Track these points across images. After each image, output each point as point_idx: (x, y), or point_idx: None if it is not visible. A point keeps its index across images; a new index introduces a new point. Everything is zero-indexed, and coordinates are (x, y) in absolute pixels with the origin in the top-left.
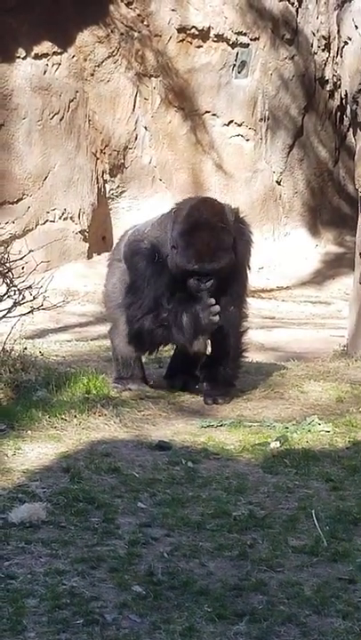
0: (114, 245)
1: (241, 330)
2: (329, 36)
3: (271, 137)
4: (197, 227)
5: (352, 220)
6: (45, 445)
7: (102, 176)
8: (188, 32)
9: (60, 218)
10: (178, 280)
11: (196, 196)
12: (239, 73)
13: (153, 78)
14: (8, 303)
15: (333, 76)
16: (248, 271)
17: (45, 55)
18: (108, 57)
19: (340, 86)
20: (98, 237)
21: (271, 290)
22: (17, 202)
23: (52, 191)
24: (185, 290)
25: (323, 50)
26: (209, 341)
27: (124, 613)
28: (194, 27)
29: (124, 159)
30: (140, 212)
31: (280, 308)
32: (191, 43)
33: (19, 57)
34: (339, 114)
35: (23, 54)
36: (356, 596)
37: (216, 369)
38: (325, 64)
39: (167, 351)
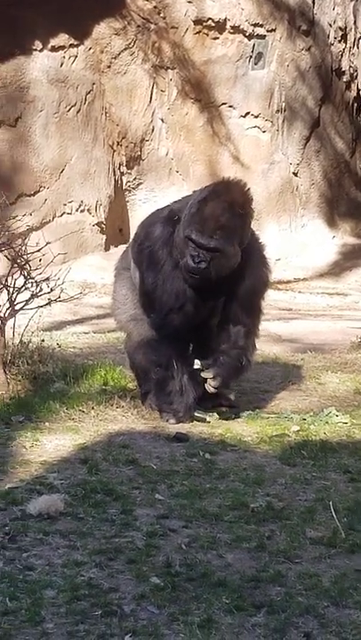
0: (120, 254)
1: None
2: (345, 27)
3: (288, 128)
4: (215, 200)
5: None
6: (63, 437)
7: (119, 168)
8: (204, 24)
9: (77, 210)
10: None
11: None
12: (256, 64)
13: (169, 70)
14: (26, 295)
15: (350, 67)
16: (263, 296)
17: (62, 47)
18: (125, 49)
19: (356, 77)
20: (115, 229)
21: (288, 281)
22: (34, 194)
23: (68, 183)
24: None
25: (339, 41)
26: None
27: (142, 605)
28: (210, 18)
29: (140, 151)
30: (157, 204)
31: (297, 300)
32: (208, 34)
33: (35, 49)
34: (356, 105)
35: (40, 47)
36: None
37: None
38: (342, 55)
39: None
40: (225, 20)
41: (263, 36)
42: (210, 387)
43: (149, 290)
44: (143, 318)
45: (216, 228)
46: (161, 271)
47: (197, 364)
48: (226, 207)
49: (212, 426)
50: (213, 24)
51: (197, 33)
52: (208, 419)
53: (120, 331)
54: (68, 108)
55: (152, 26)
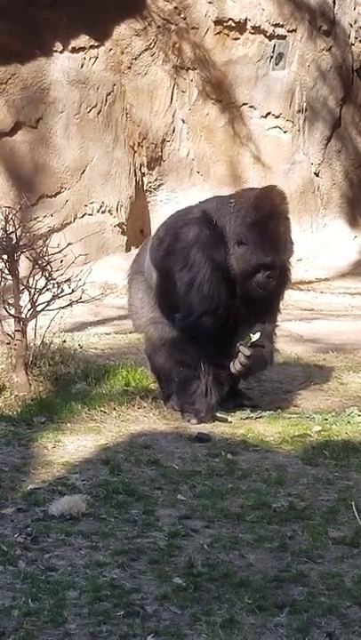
0: (132, 259)
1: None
2: None
3: (309, 128)
4: (271, 217)
5: None
6: (85, 438)
7: (140, 169)
8: (225, 24)
9: (98, 211)
10: (236, 281)
11: (254, 187)
12: (276, 65)
13: (190, 71)
14: (47, 296)
15: None
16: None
17: (83, 49)
18: (145, 50)
19: None
20: (136, 230)
21: (310, 282)
22: (55, 195)
23: (89, 184)
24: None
25: (360, 41)
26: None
27: (165, 605)
28: (231, 19)
29: (161, 152)
30: (178, 205)
31: (319, 300)
32: (228, 35)
33: (56, 51)
34: None
35: (60, 48)
36: None
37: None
38: None
39: None
40: (245, 20)
41: (284, 37)
42: (238, 362)
43: (181, 292)
44: (163, 321)
45: (284, 246)
46: (198, 274)
47: (257, 336)
48: (281, 223)
49: (233, 426)
50: (234, 24)
51: (218, 33)
52: (230, 419)
53: (139, 334)
54: (88, 109)
55: (172, 26)
